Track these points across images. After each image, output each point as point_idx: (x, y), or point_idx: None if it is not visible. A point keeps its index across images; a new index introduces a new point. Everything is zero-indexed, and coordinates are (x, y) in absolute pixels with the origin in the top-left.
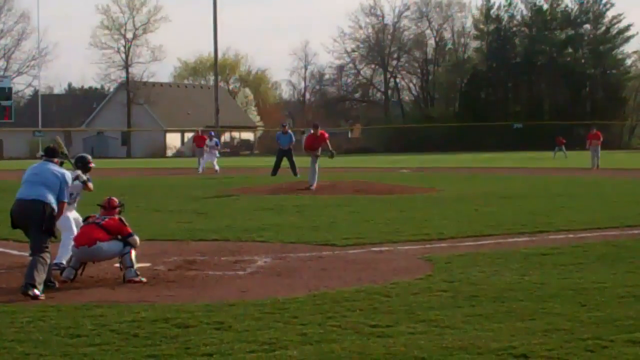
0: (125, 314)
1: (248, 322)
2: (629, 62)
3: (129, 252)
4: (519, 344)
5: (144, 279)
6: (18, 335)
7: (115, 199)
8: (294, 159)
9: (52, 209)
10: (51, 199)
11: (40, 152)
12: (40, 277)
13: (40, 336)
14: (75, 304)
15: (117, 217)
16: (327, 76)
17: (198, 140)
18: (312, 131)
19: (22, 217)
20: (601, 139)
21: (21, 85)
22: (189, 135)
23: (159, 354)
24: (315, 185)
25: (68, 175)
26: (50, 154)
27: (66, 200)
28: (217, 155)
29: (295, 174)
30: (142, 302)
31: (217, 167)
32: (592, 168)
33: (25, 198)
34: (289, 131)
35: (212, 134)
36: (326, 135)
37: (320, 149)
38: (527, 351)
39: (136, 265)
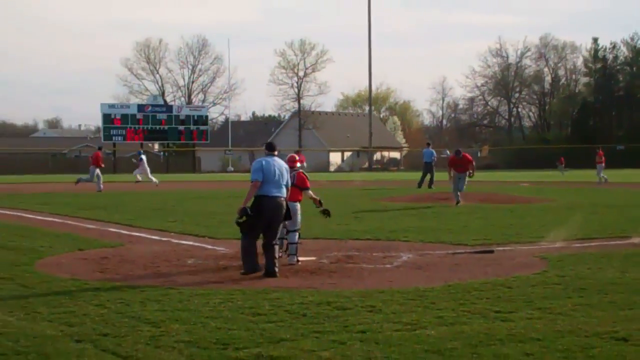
0: (295, 297)
1: (394, 307)
2: None
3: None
4: (620, 329)
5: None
6: (211, 313)
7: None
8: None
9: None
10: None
11: (230, 168)
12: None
13: (229, 314)
14: (256, 288)
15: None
16: (460, 106)
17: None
18: (448, 153)
19: (272, 211)
20: None
21: (215, 114)
22: (348, 154)
23: (322, 330)
24: (460, 200)
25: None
26: (272, 148)
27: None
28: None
29: (430, 186)
30: (309, 288)
31: (139, 178)
32: None
33: (274, 195)
34: (431, 148)
35: (140, 152)
36: (470, 157)
37: (469, 170)
38: (627, 335)
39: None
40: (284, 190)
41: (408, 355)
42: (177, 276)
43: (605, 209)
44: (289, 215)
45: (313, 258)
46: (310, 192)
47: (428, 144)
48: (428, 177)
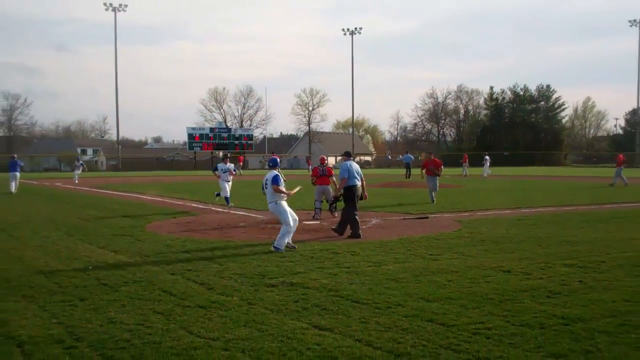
0: (307, 246)
1: (367, 252)
2: (563, 121)
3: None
4: (506, 265)
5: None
6: (254, 256)
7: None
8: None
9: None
10: None
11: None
12: None
13: (265, 257)
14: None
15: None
16: (408, 128)
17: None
18: (425, 156)
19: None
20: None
21: (257, 133)
22: (339, 158)
23: (323, 266)
24: (434, 199)
25: None
26: (349, 155)
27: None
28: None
29: (407, 177)
30: (314, 240)
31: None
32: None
33: (356, 184)
34: (409, 154)
35: (78, 158)
36: (439, 161)
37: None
38: (510, 268)
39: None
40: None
41: (375, 280)
42: (234, 233)
43: (498, 192)
44: (362, 197)
45: (318, 221)
46: (334, 178)
47: (407, 152)
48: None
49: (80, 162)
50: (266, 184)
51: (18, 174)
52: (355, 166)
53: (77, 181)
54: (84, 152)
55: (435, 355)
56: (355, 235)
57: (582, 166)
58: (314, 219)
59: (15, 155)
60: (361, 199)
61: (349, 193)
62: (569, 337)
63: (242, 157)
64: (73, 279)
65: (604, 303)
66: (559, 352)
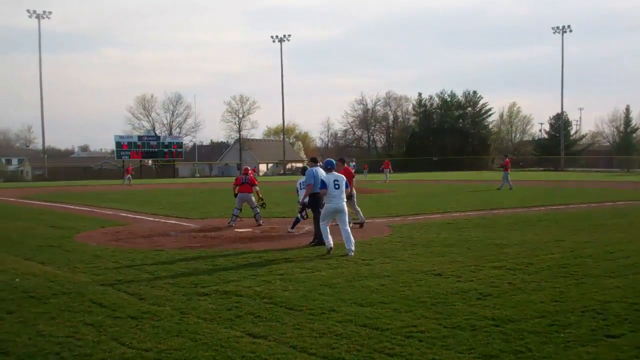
0: (240, 254)
1: (301, 258)
2: (490, 126)
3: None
4: (437, 268)
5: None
6: (186, 266)
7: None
8: None
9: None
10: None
11: (197, 174)
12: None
13: (198, 266)
14: (214, 249)
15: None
16: (338, 134)
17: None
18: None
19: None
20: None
21: (187, 141)
22: (270, 165)
23: (256, 274)
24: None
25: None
26: (315, 161)
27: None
28: None
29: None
30: (247, 248)
31: None
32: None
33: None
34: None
35: None
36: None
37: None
38: (441, 271)
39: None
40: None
41: (309, 287)
42: (165, 242)
43: (427, 196)
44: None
45: (250, 229)
46: (257, 188)
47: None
48: None
49: None
50: (337, 184)
51: None
52: (322, 172)
53: None
54: (8, 162)
55: (369, 359)
56: (320, 242)
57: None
58: (228, 225)
59: None
60: (264, 205)
61: (316, 200)
62: (499, 338)
63: (130, 168)
64: (0, 292)
65: (533, 304)
66: (490, 352)
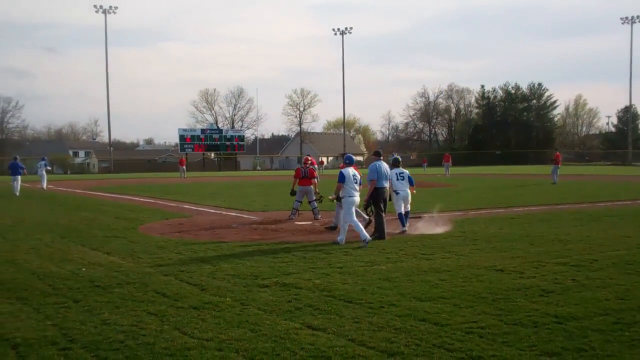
0: (299, 246)
1: (360, 252)
2: (555, 119)
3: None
4: (498, 264)
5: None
6: (247, 257)
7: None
8: None
9: None
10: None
11: (258, 167)
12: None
13: (258, 257)
14: (275, 241)
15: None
16: (399, 127)
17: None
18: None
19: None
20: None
21: (249, 134)
22: (331, 158)
23: (315, 267)
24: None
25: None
26: (379, 154)
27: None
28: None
29: None
30: (307, 241)
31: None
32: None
33: (384, 186)
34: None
35: (44, 159)
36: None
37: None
38: (503, 267)
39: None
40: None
41: (368, 280)
42: (226, 234)
43: (489, 190)
44: (390, 198)
45: (309, 222)
46: (315, 180)
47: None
48: None
49: (44, 161)
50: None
51: (19, 176)
52: (385, 167)
53: (45, 187)
54: (75, 154)
55: (428, 354)
56: (381, 236)
57: (573, 164)
58: (289, 218)
59: (17, 157)
60: (390, 200)
61: (377, 194)
62: (562, 335)
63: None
64: (66, 281)
65: (597, 301)
66: (552, 350)
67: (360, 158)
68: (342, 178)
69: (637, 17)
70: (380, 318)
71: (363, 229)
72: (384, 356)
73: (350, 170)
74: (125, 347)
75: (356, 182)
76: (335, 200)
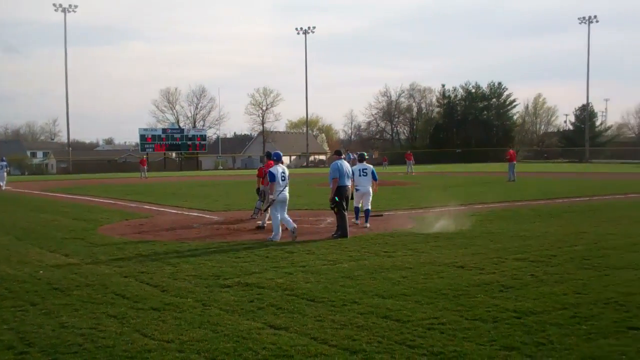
0: (262, 246)
1: (322, 250)
2: (514, 117)
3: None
4: (459, 260)
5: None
6: (209, 257)
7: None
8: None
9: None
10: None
11: (220, 167)
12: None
13: (220, 257)
14: (237, 241)
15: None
16: (362, 126)
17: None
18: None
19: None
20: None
21: (210, 133)
22: (293, 157)
23: (278, 266)
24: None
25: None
26: (340, 154)
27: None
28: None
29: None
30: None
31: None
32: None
33: (346, 185)
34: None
35: (3, 159)
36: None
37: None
38: (463, 264)
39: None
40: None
41: (331, 279)
42: (187, 235)
43: (450, 187)
44: (352, 196)
45: (271, 222)
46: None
47: (347, 151)
48: None
49: (4, 162)
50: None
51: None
52: (346, 165)
53: (4, 188)
54: (33, 155)
55: (390, 351)
56: (343, 234)
57: (532, 162)
58: (251, 217)
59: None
60: (352, 198)
61: (339, 193)
62: (521, 330)
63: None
64: (24, 284)
65: (555, 296)
66: (511, 344)
67: (323, 157)
68: (272, 177)
69: (594, 17)
70: (342, 316)
71: (291, 221)
72: (346, 354)
73: (279, 168)
74: (84, 350)
75: (284, 180)
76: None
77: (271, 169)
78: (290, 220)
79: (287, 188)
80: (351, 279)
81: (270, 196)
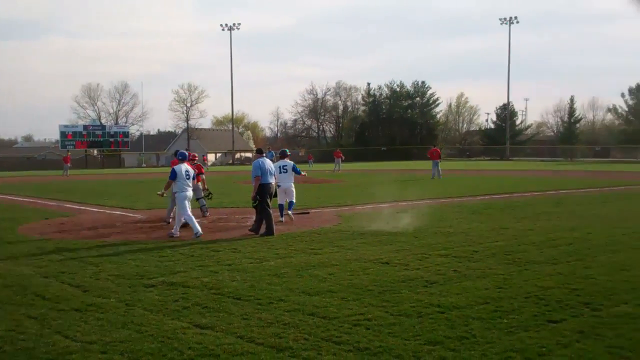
0: (186, 245)
1: (249, 248)
2: (438, 116)
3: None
4: (385, 257)
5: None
6: (132, 257)
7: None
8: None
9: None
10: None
11: (143, 164)
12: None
13: (144, 257)
14: (161, 240)
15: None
16: (288, 124)
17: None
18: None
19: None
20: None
21: (133, 130)
22: (219, 155)
23: (204, 264)
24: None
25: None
26: (261, 152)
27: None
28: None
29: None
30: (195, 239)
31: None
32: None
33: (269, 182)
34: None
35: None
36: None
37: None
38: (388, 260)
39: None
40: (273, 177)
41: (257, 277)
42: (110, 234)
43: (376, 185)
44: (275, 194)
45: (197, 220)
46: (203, 177)
47: (269, 149)
48: None
49: None
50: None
51: None
52: (268, 163)
53: None
54: None
55: (317, 347)
56: (269, 232)
57: (455, 160)
58: (203, 217)
59: None
60: (275, 195)
61: (262, 191)
62: (445, 324)
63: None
64: None
65: (477, 290)
66: (435, 339)
67: (249, 154)
68: (173, 175)
69: (515, 18)
70: (269, 314)
71: (197, 223)
72: (272, 352)
73: (183, 167)
74: (2, 352)
75: (188, 178)
76: (164, 195)
77: (174, 167)
78: (182, 221)
79: (190, 187)
80: (278, 277)
81: (158, 192)
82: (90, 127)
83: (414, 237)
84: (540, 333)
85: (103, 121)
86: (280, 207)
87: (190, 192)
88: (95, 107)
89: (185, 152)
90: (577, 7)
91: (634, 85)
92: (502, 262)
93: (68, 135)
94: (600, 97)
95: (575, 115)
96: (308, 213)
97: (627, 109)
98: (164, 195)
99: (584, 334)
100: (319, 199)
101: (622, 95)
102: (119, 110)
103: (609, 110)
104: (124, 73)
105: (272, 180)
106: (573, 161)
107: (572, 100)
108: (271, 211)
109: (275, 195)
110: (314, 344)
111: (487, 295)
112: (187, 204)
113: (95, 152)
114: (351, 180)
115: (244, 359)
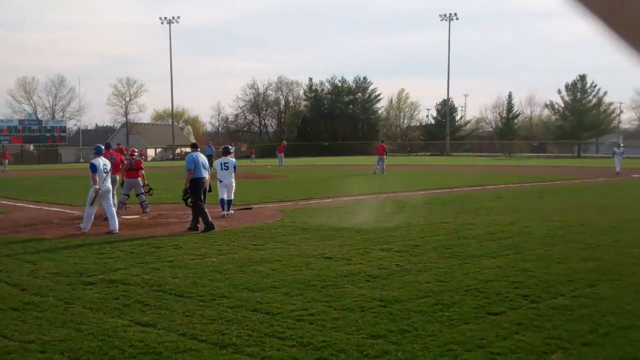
0: (126, 241)
1: (190, 245)
2: (379, 112)
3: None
4: (327, 252)
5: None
6: (71, 254)
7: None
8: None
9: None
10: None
11: (81, 159)
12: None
13: (83, 254)
14: (100, 237)
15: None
16: (229, 118)
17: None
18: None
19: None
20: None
21: (70, 125)
22: (159, 150)
23: (144, 261)
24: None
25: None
26: (196, 147)
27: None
28: None
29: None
30: (135, 235)
31: None
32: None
33: (203, 177)
34: (211, 146)
35: None
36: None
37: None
38: (331, 255)
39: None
40: (207, 172)
41: (199, 273)
42: (48, 231)
43: (318, 180)
44: (210, 189)
45: (137, 216)
46: (143, 172)
47: (209, 143)
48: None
49: None
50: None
51: None
52: (202, 157)
53: None
54: None
55: (260, 343)
56: (209, 227)
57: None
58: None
59: None
60: (209, 191)
61: (196, 185)
62: (387, 318)
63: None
64: None
65: (418, 284)
66: (378, 333)
67: (189, 149)
68: (93, 168)
69: (455, 14)
70: (212, 310)
71: (116, 217)
72: (216, 348)
73: (101, 160)
74: None
75: (106, 172)
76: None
77: (93, 161)
78: (116, 216)
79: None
80: (220, 273)
81: (95, 186)
82: (26, 122)
83: (357, 232)
84: (480, 325)
85: (39, 116)
86: (222, 201)
87: (108, 185)
88: (31, 101)
89: (101, 146)
90: (514, 4)
91: (570, 81)
92: (443, 256)
93: (3, 130)
94: (537, 93)
95: (514, 111)
96: (250, 209)
97: (563, 105)
98: (100, 188)
99: (523, 326)
100: (261, 195)
101: (559, 91)
102: (55, 105)
103: (546, 106)
104: (61, 66)
105: (206, 175)
106: (511, 156)
107: (510, 96)
108: (204, 206)
109: (210, 191)
110: (258, 340)
111: (429, 288)
112: (98, 201)
113: (32, 147)
114: (293, 175)
115: (187, 357)
